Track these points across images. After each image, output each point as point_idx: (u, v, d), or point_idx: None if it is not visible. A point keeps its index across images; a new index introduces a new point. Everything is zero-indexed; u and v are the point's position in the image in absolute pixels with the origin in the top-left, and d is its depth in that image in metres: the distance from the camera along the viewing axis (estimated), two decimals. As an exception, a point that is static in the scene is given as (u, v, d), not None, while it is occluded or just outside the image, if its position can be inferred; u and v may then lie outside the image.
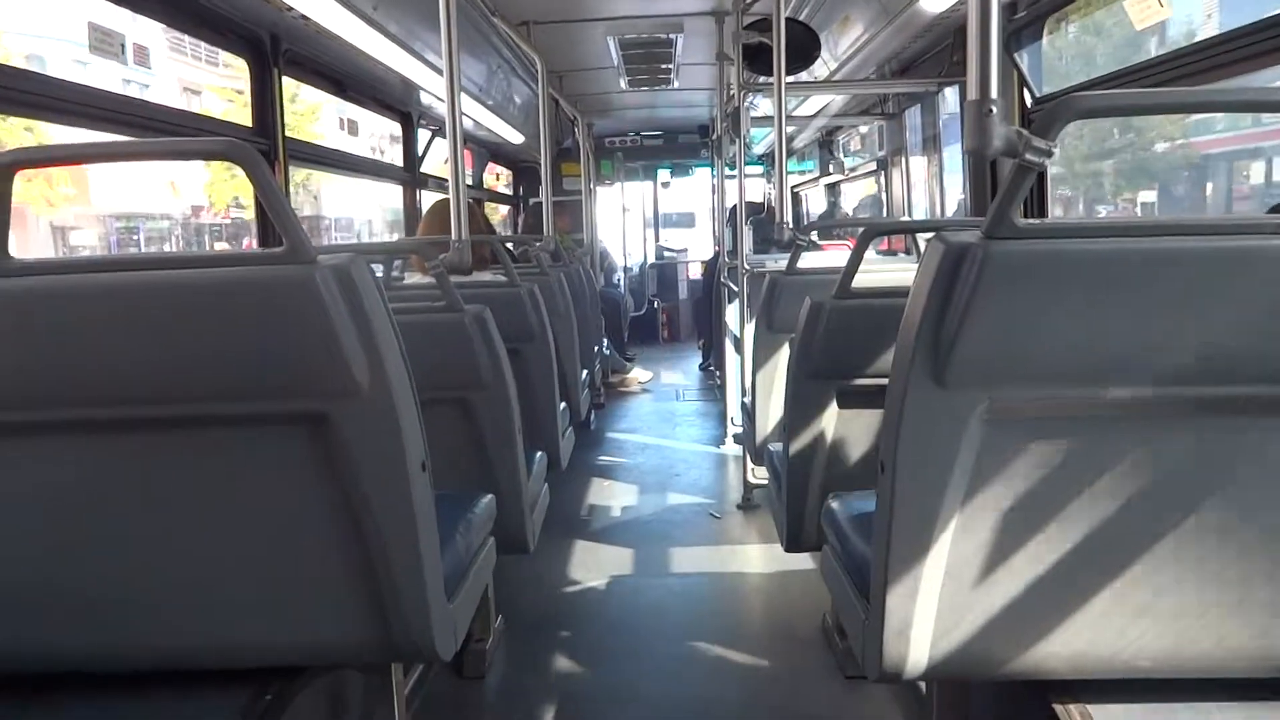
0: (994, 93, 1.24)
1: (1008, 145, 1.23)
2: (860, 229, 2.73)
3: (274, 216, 1.40)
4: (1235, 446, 1.36)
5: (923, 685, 1.83)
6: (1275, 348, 1.30)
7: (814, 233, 6.14)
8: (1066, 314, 1.30)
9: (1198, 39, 2.48)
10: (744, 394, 4.23)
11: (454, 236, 2.51)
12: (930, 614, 1.46)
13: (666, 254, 11.18)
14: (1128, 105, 1.48)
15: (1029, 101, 3.44)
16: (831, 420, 2.61)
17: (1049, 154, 1.21)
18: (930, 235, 1.42)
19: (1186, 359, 1.31)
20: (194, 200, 21.70)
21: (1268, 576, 1.38)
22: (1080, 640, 1.45)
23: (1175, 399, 1.34)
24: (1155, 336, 1.30)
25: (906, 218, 5.45)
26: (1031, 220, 1.31)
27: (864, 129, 6.77)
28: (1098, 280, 1.29)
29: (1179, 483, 1.37)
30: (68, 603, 1.57)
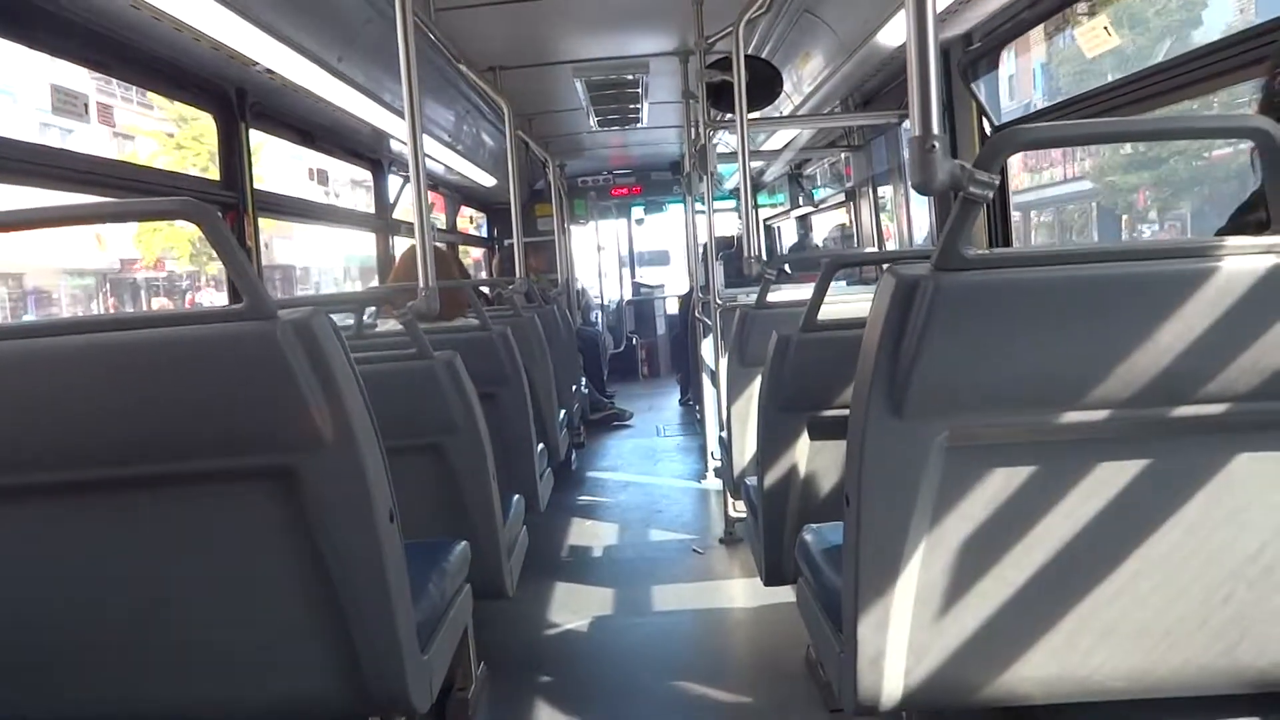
0: (935, 129, 1.27)
1: (952, 180, 1.25)
2: (824, 261, 2.76)
3: (233, 273, 1.41)
4: (1191, 466, 1.38)
5: (903, 716, 1.83)
6: (1225, 368, 1.33)
7: (786, 265, 6.16)
8: (1019, 342, 1.32)
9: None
10: (721, 428, 4.24)
11: (422, 283, 2.52)
12: (902, 644, 1.46)
13: (643, 290, 11.23)
14: (1071, 136, 1.52)
15: (988, 130, 3.50)
16: (803, 452, 2.62)
17: (992, 187, 1.23)
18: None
19: (1140, 382, 1.33)
20: (123, 253, 20.10)
21: (1227, 595, 1.39)
22: (1052, 664, 1.46)
23: (1131, 421, 1.36)
24: (1107, 361, 1.33)
25: (874, 248, 5.51)
26: (981, 251, 1.34)
27: (838, 157, 6.86)
28: (1047, 307, 1.32)
29: (1138, 503, 1.39)
30: (32, 663, 1.56)
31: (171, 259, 20.37)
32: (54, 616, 1.55)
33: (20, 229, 1.40)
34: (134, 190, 2.86)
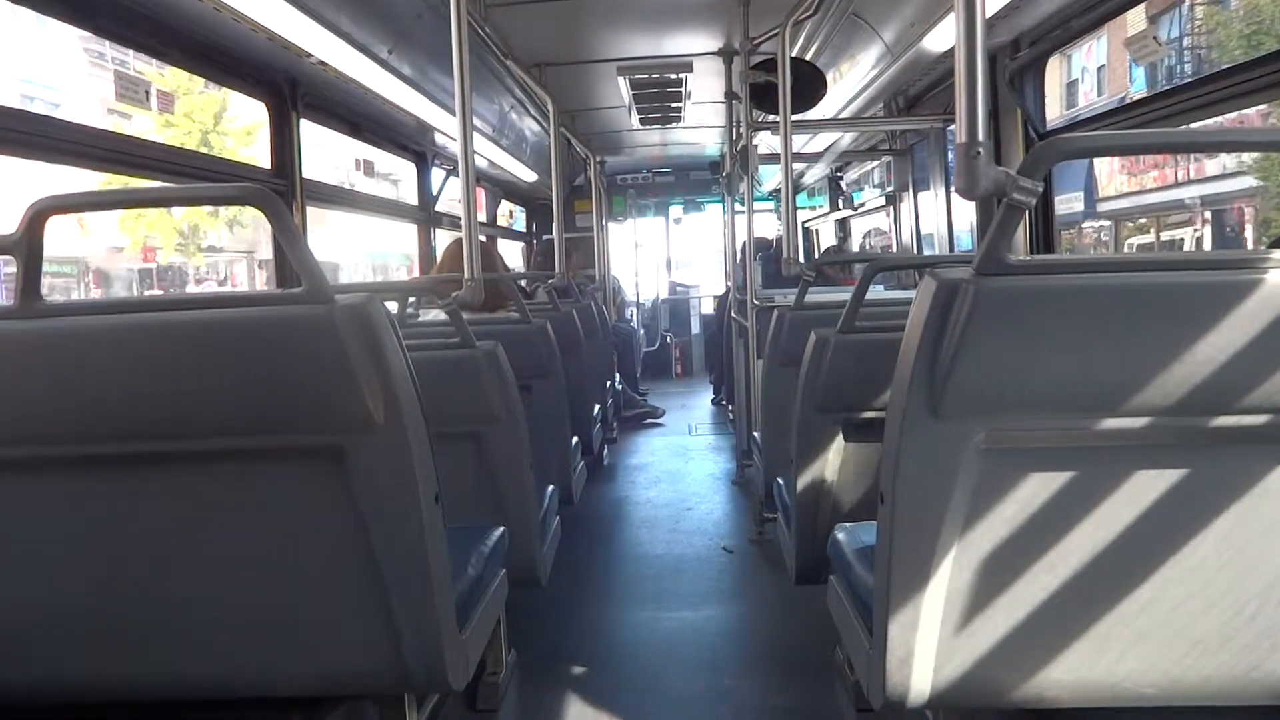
0: (981, 135, 1.29)
1: (996, 186, 1.27)
2: (864, 264, 2.77)
3: (293, 258, 1.46)
4: (1228, 476, 1.39)
5: (930, 715, 1.84)
6: (1266, 379, 1.33)
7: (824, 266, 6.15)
8: (1058, 347, 1.34)
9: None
10: (754, 427, 4.25)
11: (467, 275, 2.57)
12: (932, 643, 1.48)
13: (679, 289, 11.25)
14: (1114, 146, 1.53)
15: (1035, 137, 3.49)
16: (838, 453, 2.63)
17: (1035, 194, 1.25)
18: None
19: (1178, 391, 1.34)
20: (110, 240, 19.14)
21: (1257, 608, 1.40)
22: (1081, 668, 1.47)
23: (1168, 430, 1.37)
24: (1146, 369, 1.34)
25: (914, 253, 5.49)
26: (1023, 256, 1.35)
27: (876, 162, 6.84)
28: (1087, 314, 1.33)
29: (1173, 512, 1.40)
30: (89, 634, 1.61)
31: (158, 248, 19.83)
32: (103, 585, 1.60)
33: (101, 209, 1.45)
34: (184, 175, 2.92)
